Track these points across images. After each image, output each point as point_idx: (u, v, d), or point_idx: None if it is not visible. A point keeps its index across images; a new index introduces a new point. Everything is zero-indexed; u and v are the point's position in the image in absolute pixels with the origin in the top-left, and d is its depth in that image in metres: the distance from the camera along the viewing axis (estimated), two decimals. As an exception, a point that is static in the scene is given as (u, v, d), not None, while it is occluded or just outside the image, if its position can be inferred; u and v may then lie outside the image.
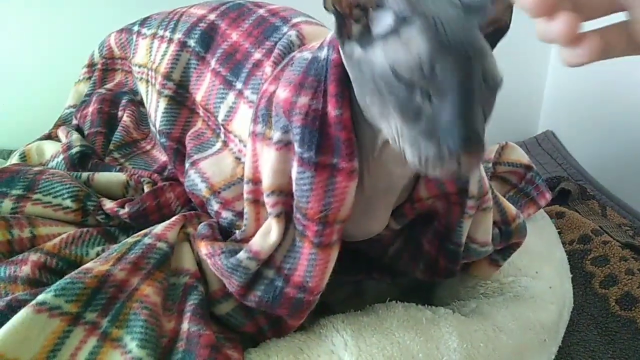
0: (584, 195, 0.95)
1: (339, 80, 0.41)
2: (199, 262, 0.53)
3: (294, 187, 0.44)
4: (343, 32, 0.39)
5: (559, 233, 0.79)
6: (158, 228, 0.52)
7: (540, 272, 0.62)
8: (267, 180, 0.46)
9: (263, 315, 0.51)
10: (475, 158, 0.34)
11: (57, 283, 0.45)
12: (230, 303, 0.51)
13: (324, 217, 0.43)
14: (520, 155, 0.75)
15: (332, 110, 0.41)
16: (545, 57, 1.18)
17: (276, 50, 0.54)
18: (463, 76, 0.34)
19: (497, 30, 0.41)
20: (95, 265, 0.47)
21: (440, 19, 0.36)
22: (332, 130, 0.42)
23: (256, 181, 0.48)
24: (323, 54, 0.43)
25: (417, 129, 0.35)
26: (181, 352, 0.44)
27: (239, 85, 0.56)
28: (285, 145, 0.45)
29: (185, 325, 0.46)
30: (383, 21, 0.38)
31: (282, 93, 0.45)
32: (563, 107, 1.18)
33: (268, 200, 0.46)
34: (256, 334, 0.52)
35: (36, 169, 0.63)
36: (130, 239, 0.51)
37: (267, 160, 0.46)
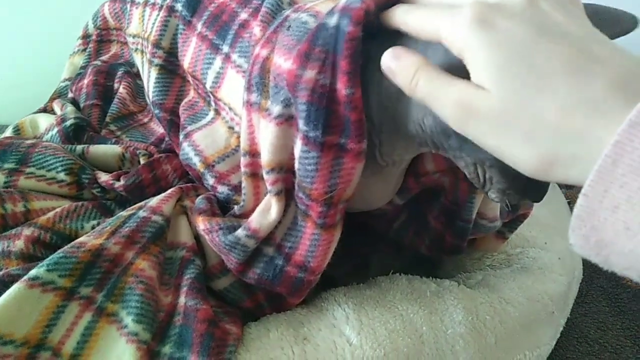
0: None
1: (353, 56, 0.37)
2: (196, 236, 0.51)
3: (297, 166, 0.42)
4: None
5: (569, 203, 0.77)
6: (153, 201, 0.51)
7: (550, 243, 0.60)
8: (266, 156, 0.43)
9: (262, 291, 0.50)
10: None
11: (50, 257, 0.44)
12: (229, 278, 0.50)
13: (329, 199, 0.41)
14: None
15: (343, 89, 0.37)
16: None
17: (263, 9, 0.50)
18: None
19: None
20: (89, 239, 0.45)
21: None
22: (340, 109, 0.38)
23: (253, 153, 0.46)
24: (333, 21, 0.38)
25: (511, 184, 0.36)
26: (178, 326, 0.43)
27: (225, 48, 0.53)
28: (286, 120, 0.41)
29: (182, 300, 0.45)
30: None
31: (284, 63, 0.41)
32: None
33: (267, 178, 0.44)
34: (255, 310, 0.51)
35: (29, 142, 0.61)
36: (125, 212, 0.50)
37: (266, 135, 0.43)
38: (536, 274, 0.55)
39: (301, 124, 0.40)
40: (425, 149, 0.42)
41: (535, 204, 0.65)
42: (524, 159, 0.27)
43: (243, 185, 0.47)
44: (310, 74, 0.38)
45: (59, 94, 0.76)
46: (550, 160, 0.26)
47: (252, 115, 0.45)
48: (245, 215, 0.47)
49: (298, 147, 0.41)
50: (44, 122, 0.69)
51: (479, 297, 0.50)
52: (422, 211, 0.55)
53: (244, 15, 0.53)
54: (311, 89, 0.38)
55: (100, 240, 0.45)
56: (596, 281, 0.70)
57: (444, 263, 0.64)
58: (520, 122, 0.26)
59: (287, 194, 0.44)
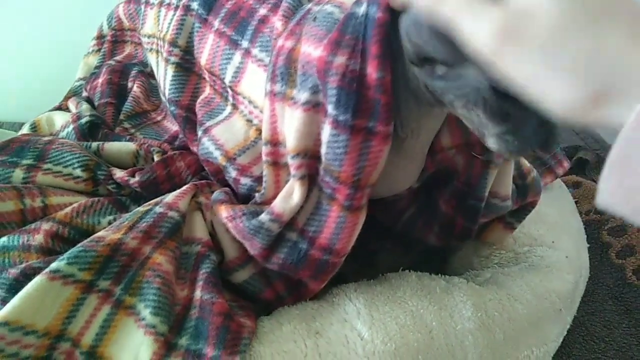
0: (601, 165, 0.93)
1: (383, 41, 0.39)
2: (211, 232, 0.52)
3: (325, 150, 0.43)
4: None
5: (576, 203, 0.77)
6: (169, 197, 0.52)
7: (557, 242, 0.61)
8: (292, 142, 0.44)
9: (282, 280, 0.51)
10: (549, 152, 0.38)
11: (70, 251, 0.45)
12: (248, 270, 0.51)
13: (356, 181, 0.42)
14: (538, 124, 0.73)
15: (373, 73, 0.39)
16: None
17: (284, 4, 0.51)
18: None
19: None
20: (108, 233, 0.47)
21: None
22: (370, 93, 0.40)
23: (275, 143, 0.47)
24: (362, 10, 0.40)
25: (504, 126, 0.35)
26: (194, 319, 0.44)
27: (245, 44, 0.54)
28: (313, 106, 0.43)
29: (198, 293, 0.46)
30: None
31: (314, 51, 0.42)
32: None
33: (292, 163, 0.45)
34: (274, 301, 0.52)
35: (46, 138, 0.63)
36: (142, 208, 0.51)
37: (292, 121, 0.44)
38: (544, 272, 0.56)
39: (330, 108, 0.41)
40: (437, 110, 0.42)
41: (542, 205, 0.66)
42: (564, 92, 0.24)
43: (264, 173, 0.48)
44: (340, 59, 0.40)
45: (74, 93, 0.78)
46: (598, 96, 0.23)
47: (276, 104, 0.46)
48: (267, 202, 0.48)
49: (327, 132, 0.42)
50: (60, 119, 0.71)
51: (487, 294, 0.50)
52: (434, 197, 0.56)
53: (263, 11, 0.54)
54: (342, 74, 0.40)
55: (119, 235, 0.46)
56: (602, 280, 0.70)
57: (451, 261, 0.65)
58: (575, 48, 0.23)
59: (309, 180, 0.45)
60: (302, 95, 0.43)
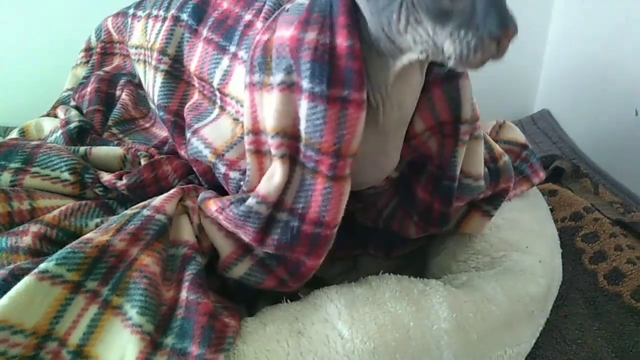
0: (577, 174, 0.97)
1: (349, 11, 0.43)
2: (198, 236, 0.54)
3: (304, 125, 0.45)
4: None
5: (552, 210, 0.80)
6: (156, 200, 0.53)
7: (531, 247, 0.64)
8: (271, 122, 0.46)
9: (281, 265, 0.52)
10: (511, 36, 0.36)
11: (59, 252, 0.46)
12: (246, 263, 0.52)
13: (337, 150, 0.44)
14: (517, 134, 0.76)
15: (344, 42, 0.42)
16: (542, 38, 1.17)
17: (265, 7, 0.55)
18: None
19: None
20: (96, 235, 0.48)
21: None
22: (342, 62, 0.43)
23: (256, 131, 0.49)
24: None
25: (452, 24, 0.37)
26: (180, 319, 0.46)
27: (232, 48, 0.56)
28: (288, 86, 0.45)
29: (184, 294, 0.47)
30: None
31: (286, 32, 0.45)
32: (559, 86, 1.19)
33: (272, 142, 0.47)
34: (278, 286, 0.53)
35: (34, 143, 0.64)
36: (129, 211, 0.52)
37: (270, 103, 0.46)
38: (518, 276, 0.58)
39: (305, 83, 0.44)
40: (394, 60, 0.44)
41: (518, 212, 0.68)
42: None
43: (248, 162, 0.50)
44: (311, 35, 0.43)
45: (62, 103, 0.79)
46: None
47: (255, 94, 0.48)
48: (252, 190, 0.50)
49: (304, 107, 0.44)
50: (49, 125, 0.72)
51: (463, 296, 0.53)
52: (411, 186, 0.59)
53: (248, 17, 0.57)
54: (314, 47, 0.43)
55: (107, 237, 0.48)
56: (576, 284, 0.73)
57: (430, 265, 0.67)
58: None
59: (291, 160, 0.47)
60: (277, 77, 0.46)
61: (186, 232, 0.53)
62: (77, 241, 0.47)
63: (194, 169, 0.60)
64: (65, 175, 0.60)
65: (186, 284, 0.48)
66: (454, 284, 0.56)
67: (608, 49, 1.00)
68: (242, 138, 0.53)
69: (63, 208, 0.55)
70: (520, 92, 1.24)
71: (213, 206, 0.51)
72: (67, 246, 0.47)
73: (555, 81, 1.20)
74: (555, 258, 0.67)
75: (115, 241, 0.48)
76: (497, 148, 0.62)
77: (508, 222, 0.67)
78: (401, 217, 0.62)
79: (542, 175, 0.74)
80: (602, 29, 1.01)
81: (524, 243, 0.64)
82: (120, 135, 0.73)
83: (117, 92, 0.77)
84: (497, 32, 0.35)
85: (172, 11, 0.64)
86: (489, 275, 0.58)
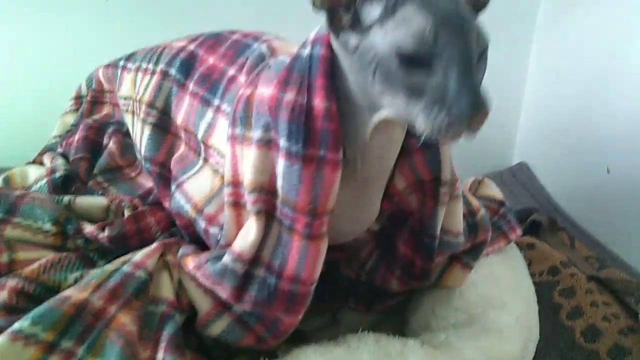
0: (554, 227, 0.99)
1: (327, 74, 0.44)
2: (177, 291, 0.54)
3: (280, 183, 0.46)
4: (335, 24, 0.42)
5: (530, 264, 0.82)
6: (137, 256, 0.53)
7: (508, 304, 0.64)
8: (248, 177, 0.47)
9: (260, 322, 0.52)
10: (483, 118, 0.37)
11: (36, 310, 0.46)
12: (224, 320, 0.52)
13: (313, 209, 0.45)
14: (494, 191, 0.79)
15: (320, 103, 0.44)
16: (519, 92, 1.23)
17: (248, 62, 0.57)
18: (463, 45, 0.37)
19: (475, 6, 0.43)
20: (74, 292, 0.48)
21: None
22: (318, 124, 0.44)
23: (236, 184, 0.50)
24: (306, 51, 0.46)
25: (426, 100, 0.37)
26: (156, 381, 0.45)
27: (216, 101, 0.58)
28: (266, 143, 0.47)
29: (160, 355, 0.47)
30: (374, 10, 0.40)
31: (266, 91, 0.47)
32: (536, 140, 1.23)
33: (249, 198, 0.48)
34: (257, 344, 0.53)
35: (17, 192, 0.64)
36: (110, 266, 0.52)
37: (248, 158, 0.48)
38: (494, 335, 0.58)
39: (282, 142, 0.45)
40: (373, 115, 0.45)
41: (496, 267, 0.70)
42: None
43: (226, 214, 0.51)
44: (289, 95, 0.45)
45: (49, 149, 0.80)
46: None
47: (236, 147, 0.50)
48: (229, 244, 0.51)
49: (281, 165, 0.46)
50: (34, 173, 0.72)
51: (440, 357, 0.53)
52: (393, 240, 0.60)
53: (231, 72, 0.59)
54: (291, 108, 0.45)
55: (85, 294, 0.48)
56: (554, 341, 0.73)
57: (410, 320, 0.67)
58: None
59: (267, 216, 0.48)
60: (256, 133, 0.47)
61: (166, 289, 0.53)
62: (55, 298, 0.47)
63: (177, 222, 0.61)
64: (48, 226, 0.60)
65: (163, 344, 0.47)
66: (433, 343, 0.57)
67: (580, 110, 1.05)
68: (221, 190, 0.54)
69: (43, 261, 0.55)
70: (499, 145, 1.28)
71: (191, 263, 0.52)
72: (45, 303, 0.46)
73: (532, 134, 1.25)
74: (532, 315, 0.68)
75: (94, 298, 0.47)
76: (475, 202, 0.65)
77: (486, 277, 0.68)
78: (384, 270, 0.63)
79: (519, 232, 0.76)
80: (575, 91, 1.06)
81: (501, 299, 0.65)
82: (106, 184, 0.73)
83: (105, 140, 0.78)
84: (468, 114, 0.36)
85: (161, 65, 0.66)
86: (467, 335, 0.58)
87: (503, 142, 1.29)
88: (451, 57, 0.37)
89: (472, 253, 0.64)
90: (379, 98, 0.41)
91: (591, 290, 0.79)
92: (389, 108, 0.41)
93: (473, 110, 0.36)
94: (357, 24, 0.41)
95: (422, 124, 0.38)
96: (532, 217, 0.99)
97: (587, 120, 1.02)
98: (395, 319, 0.69)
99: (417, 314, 0.67)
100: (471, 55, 0.38)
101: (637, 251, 0.92)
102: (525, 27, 1.16)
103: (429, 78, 0.38)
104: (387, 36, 0.38)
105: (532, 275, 0.77)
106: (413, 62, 0.37)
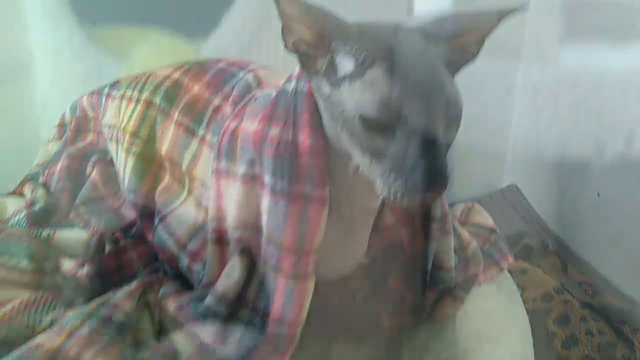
0: (546, 252, 0.98)
1: (312, 109, 0.43)
2: (159, 333, 0.51)
3: (266, 221, 0.44)
4: (309, 67, 0.41)
5: (522, 290, 0.80)
6: (117, 296, 0.51)
7: (502, 337, 0.63)
8: (232, 214, 0.46)
9: None
10: (438, 193, 0.36)
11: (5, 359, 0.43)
12: None
13: (299, 248, 0.43)
14: (485, 218, 0.78)
15: (306, 139, 0.42)
16: (507, 115, 1.23)
17: (234, 92, 0.56)
18: (428, 117, 0.36)
19: (463, 58, 0.42)
20: (47, 339, 0.45)
21: (402, 57, 0.37)
22: (304, 160, 0.43)
23: (219, 219, 0.48)
24: (291, 86, 0.44)
25: (385, 165, 0.37)
26: None
27: (201, 132, 0.57)
28: (250, 179, 0.45)
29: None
30: (347, 63, 0.39)
31: (251, 126, 0.46)
32: (526, 162, 1.23)
33: (233, 235, 0.46)
34: None
35: (-6, 228, 0.61)
36: (87, 309, 0.50)
37: (233, 194, 0.46)
38: (489, 372, 0.57)
39: (267, 178, 0.43)
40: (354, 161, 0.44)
41: (488, 299, 0.68)
42: None
43: (208, 252, 0.49)
44: (275, 131, 0.43)
45: (31, 178, 0.77)
46: None
47: (221, 181, 0.48)
48: (212, 282, 0.49)
49: (266, 201, 0.44)
50: (12, 205, 0.70)
51: (433, 399, 0.51)
52: (384, 275, 0.58)
53: (216, 101, 0.58)
54: (276, 144, 0.43)
55: (59, 341, 0.45)
56: (549, 373, 0.72)
57: (403, 356, 0.65)
58: None
59: (252, 254, 0.46)
60: (241, 168, 0.46)
61: (146, 332, 0.50)
62: (26, 346, 0.44)
63: (159, 256, 0.59)
64: (24, 263, 0.57)
65: (142, 393, 0.45)
66: (425, 383, 0.55)
67: (567, 135, 1.05)
68: (204, 224, 0.52)
69: (17, 303, 0.52)
70: (488, 167, 1.28)
71: (171, 305, 0.50)
72: (16, 351, 0.44)
73: (522, 157, 1.25)
74: (527, 347, 0.66)
75: (67, 345, 0.45)
76: (466, 235, 0.63)
77: (479, 310, 0.66)
78: (375, 305, 0.61)
79: (511, 259, 0.75)
80: (561, 115, 1.07)
81: (495, 332, 0.64)
82: (87, 216, 0.71)
83: (88, 170, 0.76)
84: (421, 189, 0.35)
85: (146, 94, 0.65)
86: (461, 373, 0.56)
87: (493, 164, 1.28)
88: (414, 129, 0.36)
89: (464, 286, 0.63)
90: (347, 149, 0.41)
91: (585, 318, 0.78)
92: (356, 161, 0.41)
93: (428, 185, 0.35)
94: (332, 72, 0.40)
95: (380, 187, 0.38)
96: (524, 242, 0.98)
97: (578, 140, 1.02)
98: (388, 354, 0.67)
99: (410, 348, 0.65)
100: (436, 128, 0.37)
101: (630, 277, 0.91)
102: (514, 49, 1.17)
103: (390, 145, 0.37)
104: (354, 97, 0.37)
105: (526, 301, 0.75)
106: (376, 127, 0.37)
